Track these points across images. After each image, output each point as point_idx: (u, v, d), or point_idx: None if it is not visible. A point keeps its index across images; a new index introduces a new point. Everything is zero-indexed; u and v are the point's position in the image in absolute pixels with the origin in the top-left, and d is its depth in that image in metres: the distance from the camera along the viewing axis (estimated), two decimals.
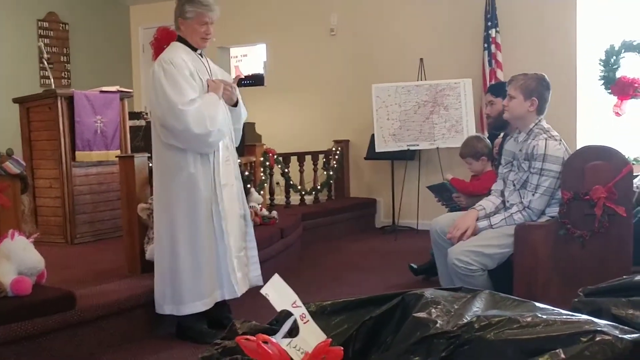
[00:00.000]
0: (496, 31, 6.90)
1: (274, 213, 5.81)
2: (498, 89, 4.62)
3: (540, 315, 1.41)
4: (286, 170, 6.88)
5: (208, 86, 3.64)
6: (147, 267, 4.18)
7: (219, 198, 3.65)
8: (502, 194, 4.08)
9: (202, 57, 3.79)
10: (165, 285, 3.68)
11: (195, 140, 3.53)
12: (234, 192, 3.80)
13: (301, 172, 7.24)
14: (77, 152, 5.39)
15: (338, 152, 7.66)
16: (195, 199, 3.61)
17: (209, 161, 3.64)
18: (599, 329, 1.33)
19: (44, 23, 8.38)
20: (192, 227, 3.62)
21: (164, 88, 3.50)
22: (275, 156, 6.61)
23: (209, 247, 3.65)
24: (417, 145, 6.99)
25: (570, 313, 1.46)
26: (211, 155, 3.64)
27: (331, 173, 7.50)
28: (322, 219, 7.05)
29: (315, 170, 7.40)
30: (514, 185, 3.98)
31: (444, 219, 4.33)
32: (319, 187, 7.38)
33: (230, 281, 3.69)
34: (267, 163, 6.45)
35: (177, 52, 3.66)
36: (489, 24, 6.92)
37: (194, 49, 3.74)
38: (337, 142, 7.80)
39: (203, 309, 3.65)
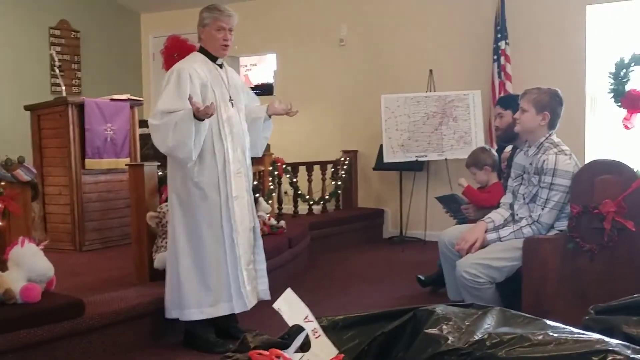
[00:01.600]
0: (506, 43, 6.90)
1: (282, 222, 5.82)
2: (507, 102, 4.61)
3: (551, 334, 1.41)
4: (294, 179, 6.89)
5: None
6: (155, 276, 4.20)
7: (231, 210, 3.66)
8: (511, 207, 4.08)
9: (221, 67, 3.80)
10: (173, 290, 3.71)
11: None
12: (245, 205, 3.80)
13: (309, 181, 7.25)
14: (86, 160, 5.42)
15: (346, 162, 7.66)
16: (203, 208, 3.62)
17: (216, 171, 3.64)
18: (610, 348, 1.33)
19: (56, 31, 8.43)
20: (199, 235, 3.64)
21: (161, 93, 3.58)
22: (283, 165, 6.63)
23: (217, 257, 3.65)
24: (426, 156, 6.99)
25: (582, 332, 1.46)
26: (219, 166, 3.64)
27: (339, 183, 7.50)
28: (330, 229, 7.05)
29: (323, 180, 7.41)
30: (523, 198, 3.98)
31: (452, 231, 4.33)
32: (327, 196, 7.39)
33: (240, 294, 3.69)
34: (276, 172, 6.46)
35: (192, 62, 3.69)
36: (499, 36, 6.92)
37: (214, 59, 3.76)
38: (345, 152, 7.81)
39: (203, 317, 3.66)
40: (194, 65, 3.66)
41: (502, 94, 6.72)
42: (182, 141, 3.44)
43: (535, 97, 3.89)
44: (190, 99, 3.39)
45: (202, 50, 3.79)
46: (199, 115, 3.40)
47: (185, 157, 3.51)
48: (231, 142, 3.69)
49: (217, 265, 3.65)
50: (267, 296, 3.89)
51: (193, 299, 3.65)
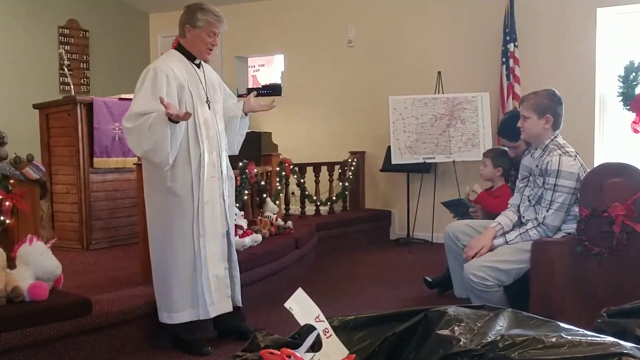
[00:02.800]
0: (515, 45, 6.88)
1: (289, 223, 5.81)
2: (510, 135, 4.47)
3: (564, 336, 1.40)
4: (302, 180, 6.89)
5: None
6: None
7: (200, 215, 3.58)
8: (519, 208, 4.07)
9: (198, 67, 3.72)
10: (156, 291, 3.72)
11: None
12: (217, 210, 3.69)
13: (317, 182, 7.25)
14: (94, 159, 5.42)
15: (354, 163, 7.66)
16: (175, 213, 3.56)
17: (190, 175, 3.56)
18: (625, 351, 1.31)
19: (65, 30, 8.46)
20: (170, 239, 3.59)
21: (136, 94, 3.50)
22: (291, 166, 6.63)
23: (184, 262, 3.60)
24: (433, 158, 6.98)
25: (595, 334, 1.44)
26: (193, 169, 3.55)
27: (347, 184, 7.50)
28: (337, 230, 7.05)
29: (330, 181, 7.41)
30: (529, 200, 3.97)
31: (458, 224, 4.34)
32: (334, 197, 7.38)
33: (204, 300, 3.62)
34: (283, 173, 6.45)
35: (169, 61, 3.61)
36: (508, 38, 6.90)
37: (192, 59, 3.68)
38: (353, 153, 7.81)
39: (170, 322, 3.63)
40: (171, 65, 3.56)
41: (511, 96, 6.71)
42: (158, 144, 3.36)
43: (535, 102, 3.88)
44: (161, 100, 3.29)
45: (181, 49, 3.69)
46: (172, 119, 3.30)
47: (162, 161, 3.43)
48: (207, 145, 3.61)
49: (183, 271, 3.60)
50: (238, 302, 3.85)
51: (163, 302, 3.65)
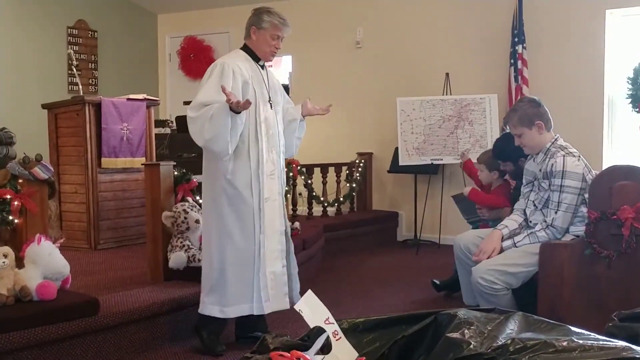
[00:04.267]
0: (523, 47, 6.86)
1: (297, 224, 5.80)
2: (504, 156, 4.52)
3: (576, 340, 1.38)
4: (309, 181, 6.89)
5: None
6: (170, 275, 4.21)
7: (261, 212, 3.62)
8: (525, 212, 4.05)
9: (262, 68, 3.78)
10: (203, 281, 3.71)
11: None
12: (276, 208, 3.73)
13: (324, 183, 7.24)
14: (102, 159, 5.44)
15: (361, 164, 7.65)
16: (235, 207, 3.60)
17: (249, 171, 3.60)
18: (637, 356, 1.30)
19: (74, 30, 8.48)
20: (229, 233, 3.61)
21: (202, 86, 3.56)
22: (298, 167, 6.62)
23: (243, 257, 3.62)
24: (441, 159, 6.96)
25: (607, 338, 1.43)
26: (252, 166, 3.60)
27: (354, 185, 7.49)
28: (344, 231, 7.04)
29: (338, 182, 7.40)
30: (534, 205, 3.95)
31: (468, 235, 4.31)
32: (341, 199, 7.38)
33: (260, 297, 3.64)
34: (291, 174, 6.45)
35: (236, 58, 3.68)
36: (516, 40, 6.88)
37: (257, 59, 3.75)
38: (360, 154, 7.80)
39: (219, 316, 3.63)
40: (237, 62, 3.64)
41: (518, 98, 6.68)
42: (218, 133, 3.40)
43: (519, 116, 3.87)
44: (223, 89, 3.34)
45: (246, 49, 3.77)
46: (233, 108, 3.35)
47: (221, 151, 3.47)
48: (267, 143, 3.65)
49: (242, 266, 3.61)
50: (297, 300, 3.82)
51: (211, 295, 3.63)
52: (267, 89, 3.75)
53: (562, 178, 3.73)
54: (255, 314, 3.67)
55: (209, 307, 3.64)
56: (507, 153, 4.39)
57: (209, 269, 3.67)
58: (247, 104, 3.36)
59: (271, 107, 3.73)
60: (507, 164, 4.51)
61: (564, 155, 3.76)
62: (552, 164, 3.76)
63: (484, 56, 7.29)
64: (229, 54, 3.80)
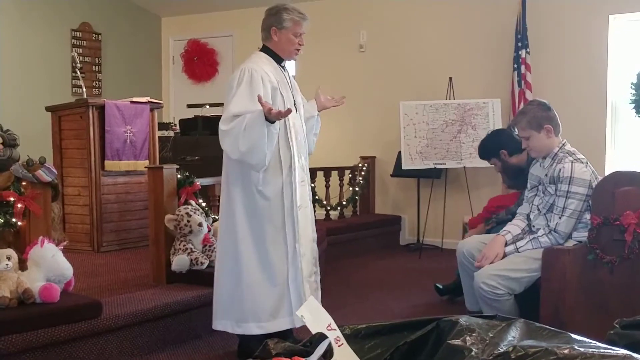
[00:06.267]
0: (526, 52, 6.86)
1: None
2: (486, 153, 4.64)
3: (577, 348, 1.39)
4: (312, 185, 6.88)
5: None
6: (173, 278, 4.21)
7: (295, 220, 3.44)
8: (528, 217, 4.04)
9: (284, 69, 3.62)
10: (225, 300, 3.49)
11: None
12: (308, 215, 3.61)
13: (327, 187, 7.25)
14: (106, 161, 5.45)
15: (364, 168, 7.65)
16: (267, 218, 3.42)
17: (280, 180, 3.42)
18: None
19: (77, 33, 8.50)
20: (263, 245, 3.42)
21: (233, 95, 3.34)
22: None
23: (280, 269, 3.44)
24: (444, 163, 6.97)
25: (608, 346, 1.43)
26: (283, 173, 3.43)
27: (357, 189, 7.50)
28: (347, 235, 7.03)
29: (341, 186, 7.40)
30: (538, 210, 3.95)
31: (471, 242, 4.30)
32: (344, 202, 7.37)
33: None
34: None
35: (260, 63, 3.48)
36: (520, 44, 6.88)
37: (279, 60, 3.59)
38: (363, 158, 7.80)
39: (258, 332, 3.41)
40: (263, 67, 3.45)
41: (522, 103, 6.68)
42: (255, 145, 3.20)
43: (528, 119, 3.84)
44: (259, 99, 3.14)
45: (267, 51, 3.59)
46: (270, 117, 3.15)
47: (258, 163, 3.28)
48: (297, 150, 3.49)
49: (280, 278, 3.44)
50: None
51: (247, 312, 3.43)
52: (292, 91, 3.59)
53: (569, 184, 3.72)
54: (296, 326, 3.47)
55: (244, 325, 3.44)
56: (488, 149, 4.46)
57: (230, 284, 3.46)
58: (288, 111, 3.18)
59: (296, 110, 3.56)
60: (493, 160, 4.52)
61: (572, 162, 3.75)
62: (560, 170, 3.75)
63: (488, 61, 7.29)
64: (251, 57, 3.55)
